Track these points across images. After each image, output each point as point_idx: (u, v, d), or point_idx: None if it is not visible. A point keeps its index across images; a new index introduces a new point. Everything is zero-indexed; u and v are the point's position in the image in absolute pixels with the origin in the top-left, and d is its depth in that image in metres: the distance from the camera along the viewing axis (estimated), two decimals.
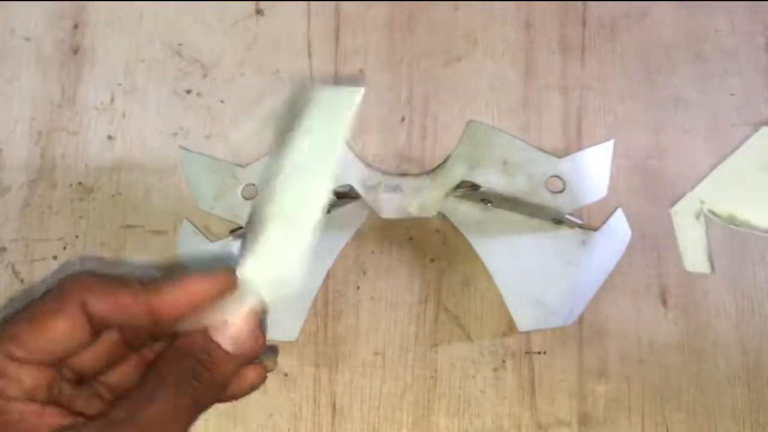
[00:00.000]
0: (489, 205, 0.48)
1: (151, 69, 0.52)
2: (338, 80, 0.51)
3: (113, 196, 0.49)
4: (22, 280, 0.48)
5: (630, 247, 0.47)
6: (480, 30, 0.52)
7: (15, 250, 0.48)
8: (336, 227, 0.47)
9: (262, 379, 0.34)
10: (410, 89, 0.51)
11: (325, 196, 0.35)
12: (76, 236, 0.48)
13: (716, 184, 0.48)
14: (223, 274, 0.32)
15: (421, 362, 0.46)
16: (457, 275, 0.47)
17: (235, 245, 0.47)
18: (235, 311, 0.33)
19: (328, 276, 0.47)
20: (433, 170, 0.49)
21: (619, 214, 0.48)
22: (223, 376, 0.32)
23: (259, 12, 0.53)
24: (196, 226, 0.48)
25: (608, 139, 0.49)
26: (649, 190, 0.48)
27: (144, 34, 0.53)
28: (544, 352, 0.46)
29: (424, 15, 0.53)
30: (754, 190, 0.48)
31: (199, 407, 0.31)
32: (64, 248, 0.48)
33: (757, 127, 0.49)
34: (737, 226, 0.47)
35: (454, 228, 0.47)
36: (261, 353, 0.34)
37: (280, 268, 0.34)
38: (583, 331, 0.46)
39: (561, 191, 0.48)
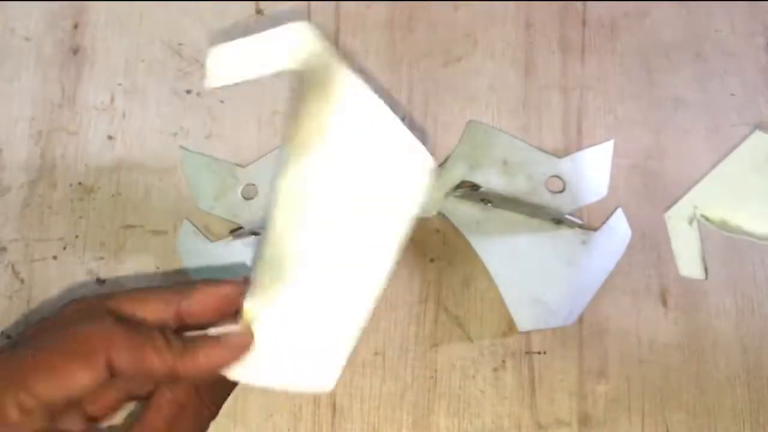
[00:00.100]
0: (489, 205, 0.48)
1: (151, 69, 0.52)
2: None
3: (113, 196, 0.49)
4: (22, 280, 0.48)
5: (630, 247, 0.47)
6: (480, 30, 0.52)
7: (15, 250, 0.48)
8: None
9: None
10: (410, 89, 0.51)
11: (378, 289, 0.34)
12: (76, 236, 0.48)
13: (709, 188, 0.48)
14: (244, 343, 0.32)
15: (421, 362, 0.46)
16: (457, 275, 0.47)
17: (237, 245, 0.47)
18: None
19: None
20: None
21: (619, 214, 0.48)
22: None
23: (259, 12, 0.53)
24: (196, 226, 0.48)
25: (608, 139, 0.49)
26: (649, 190, 0.48)
27: (144, 34, 0.53)
28: (544, 352, 0.46)
29: (424, 15, 0.53)
30: (746, 195, 0.48)
31: None
32: (64, 248, 0.48)
33: (757, 127, 0.49)
34: (729, 231, 0.47)
35: (454, 228, 0.47)
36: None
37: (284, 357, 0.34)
38: (583, 331, 0.46)
39: (561, 191, 0.48)
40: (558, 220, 0.47)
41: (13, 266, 0.48)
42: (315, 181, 0.32)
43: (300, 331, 0.34)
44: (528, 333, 0.46)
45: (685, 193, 0.48)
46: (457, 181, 0.47)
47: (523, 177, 0.48)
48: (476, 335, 0.46)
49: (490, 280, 0.46)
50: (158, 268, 0.47)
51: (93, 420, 0.33)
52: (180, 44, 0.52)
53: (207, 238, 0.48)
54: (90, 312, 0.31)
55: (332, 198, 0.33)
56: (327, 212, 0.33)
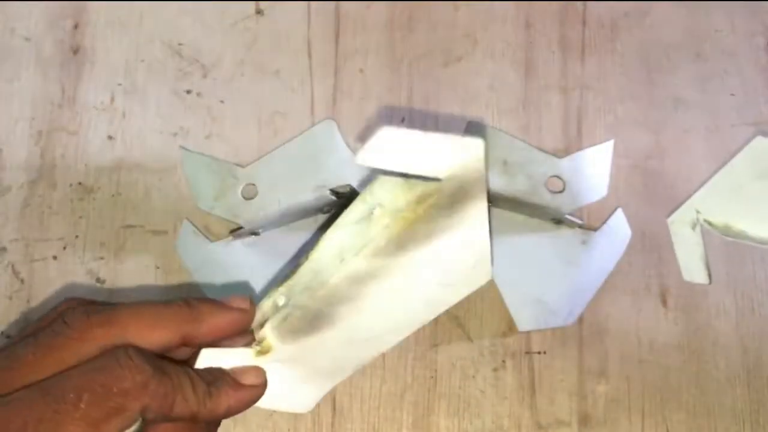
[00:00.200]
0: (489, 205, 0.47)
1: (151, 69, 0.52)
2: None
3: (113, 196, 0.49)
4: (22, 280, 0.48)
5: (630, 247, 0.47)
6: (480, 30, 0.52)
7: (15, 250, 0.48)
8: None
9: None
10: (410, 89, 0.51)
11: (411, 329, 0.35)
12: (76, 236, 0.48)
13: (712, 193, 0.48)
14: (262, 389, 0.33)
15: (421, 362, 0.46)
16: None
17: (237, 244, 0.47)
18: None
19: None
20: None
21: (619, 214, 0.48)
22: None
23: (259, 12, 0.53)
24: (196, 226, 0.48)
25: (608, 139, 0.49)
26: (649, 191, 0.48)
27: (144, 34, 0.53)
28: (544, 352, 0.46)
29: (424, 15, 0.53)
30: (749, 200, 0.47)
31: None
32: (64, 248, 0.48)
33: (757, 127, 0.49)
34: (732, 236, 0.47)
35: None
36: None
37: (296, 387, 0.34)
38: (583, 331, 0.46)
39: (561, 191, 0.48)
40: (558, 220, 0.47)
41: (13, 266, 0.48)
42: (392, 271, 0.32)
43: (301, 365, 0.34)
44: (528, 333, 0.46)
45: (685, 193, 0.48)
46: None
47: (523, 177, 0.48)
48: (476, 335, 0.46)
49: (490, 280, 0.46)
50: (158, 268, 0.47)
51: None
52: (180, 44, 0.52)
53: (207, 238, 0.48)
54: (106, 336, 0.30)
55: (402, 288, 0.33)
56: (387, 297, 0.33)
